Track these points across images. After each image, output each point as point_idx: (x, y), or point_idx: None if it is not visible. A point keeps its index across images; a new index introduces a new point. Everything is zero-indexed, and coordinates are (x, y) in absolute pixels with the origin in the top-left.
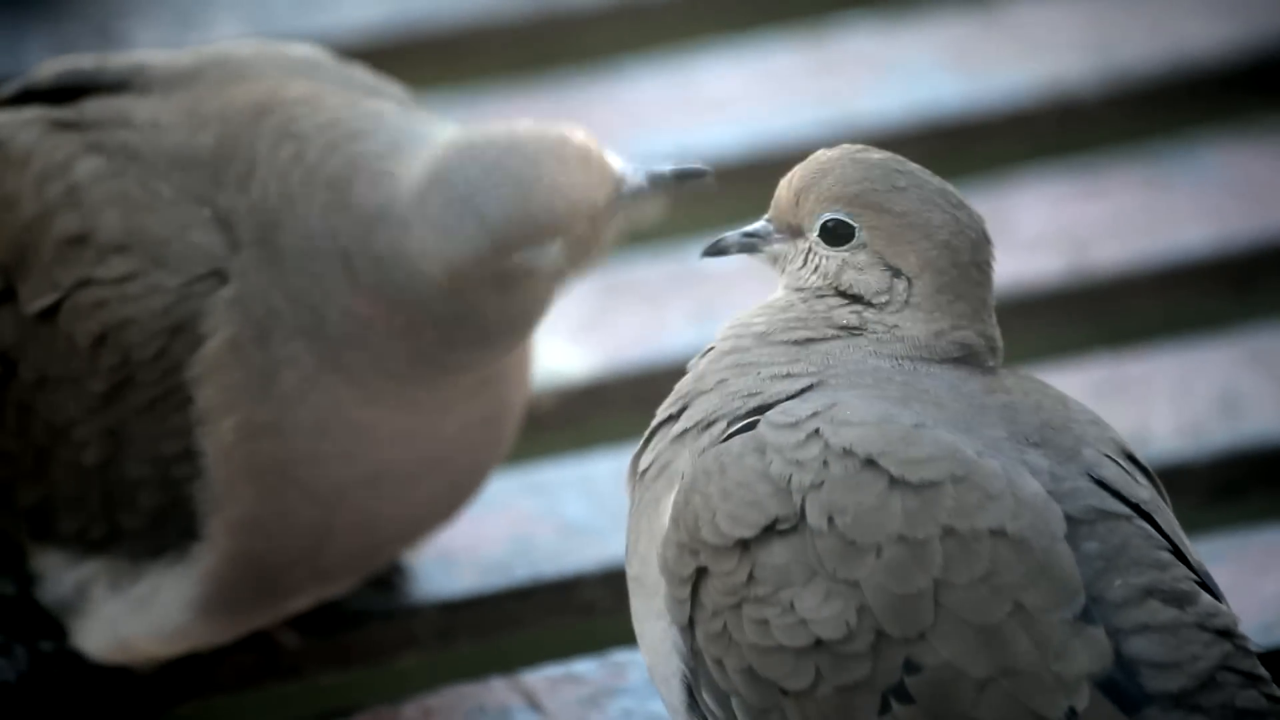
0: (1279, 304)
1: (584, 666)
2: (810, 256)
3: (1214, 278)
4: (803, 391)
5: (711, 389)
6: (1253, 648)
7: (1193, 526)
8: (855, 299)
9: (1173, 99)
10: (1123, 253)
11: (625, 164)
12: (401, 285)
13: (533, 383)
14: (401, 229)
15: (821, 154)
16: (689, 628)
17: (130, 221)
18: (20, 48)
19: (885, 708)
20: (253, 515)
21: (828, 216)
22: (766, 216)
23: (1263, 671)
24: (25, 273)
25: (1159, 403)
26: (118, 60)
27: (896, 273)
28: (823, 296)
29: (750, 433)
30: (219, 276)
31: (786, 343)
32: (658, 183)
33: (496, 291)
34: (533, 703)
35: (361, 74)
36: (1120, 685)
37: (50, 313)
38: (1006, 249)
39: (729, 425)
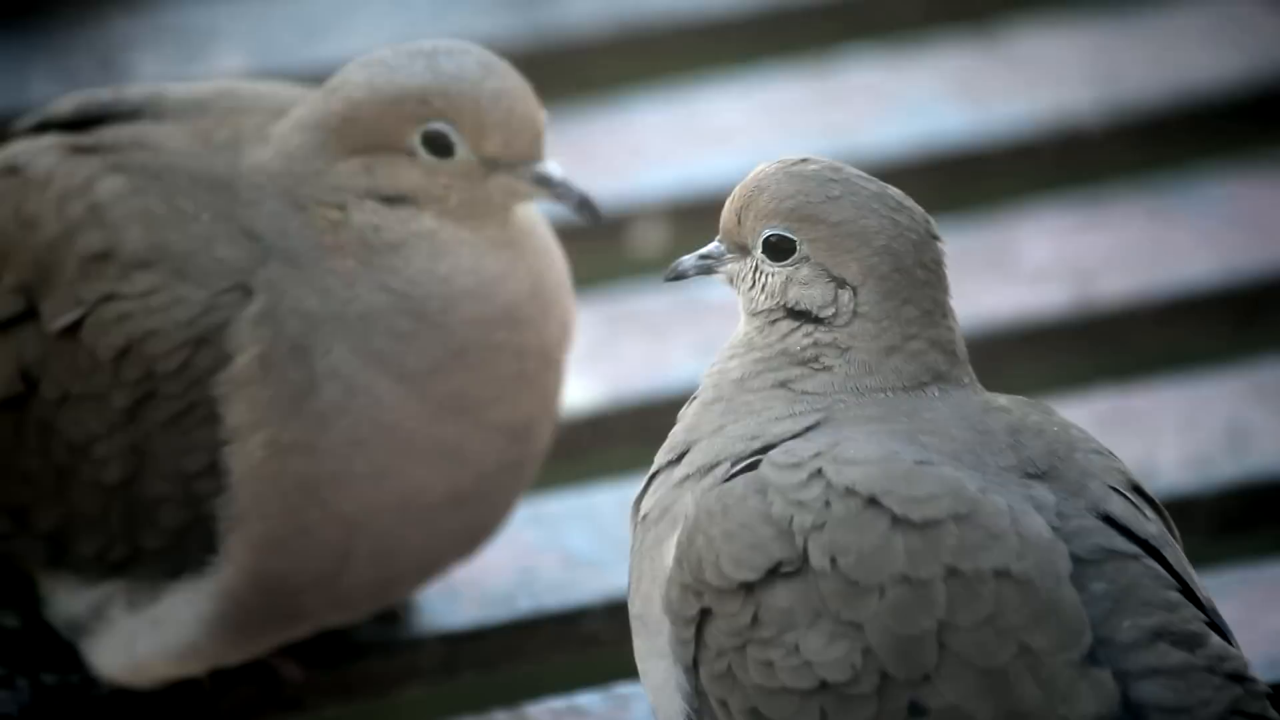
0: None
1: (587, 699)
2: (758, 275)
3: (1218, 310)
4: (807, 430)
5: (711, 434)
6: (1263, 690)
7: (1199, 560)
8: (804, 315)
9: (1176, 131)
10: (1127, 285)
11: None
12: (307, 176)
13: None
14: None
15: (760, 169)
16: (693, 668)
17: (154, 237)
18: (24, 81)
19: None
20: (274, 534)
21: (768, 232)
22: (718, 238)
23: (1274, 715)
24: (48, 291)
25: (1165, 435)
26: (135, 91)
27: (841, 283)
28: (775, 321)
29: (753, 473)
30: (244, 290)
31: (767, 387)
32: (563, 189)
33: (385, 165)
34: None
35: None
36: None
37: (73, 329)
38: (1011, 281)
39: (732, 465)
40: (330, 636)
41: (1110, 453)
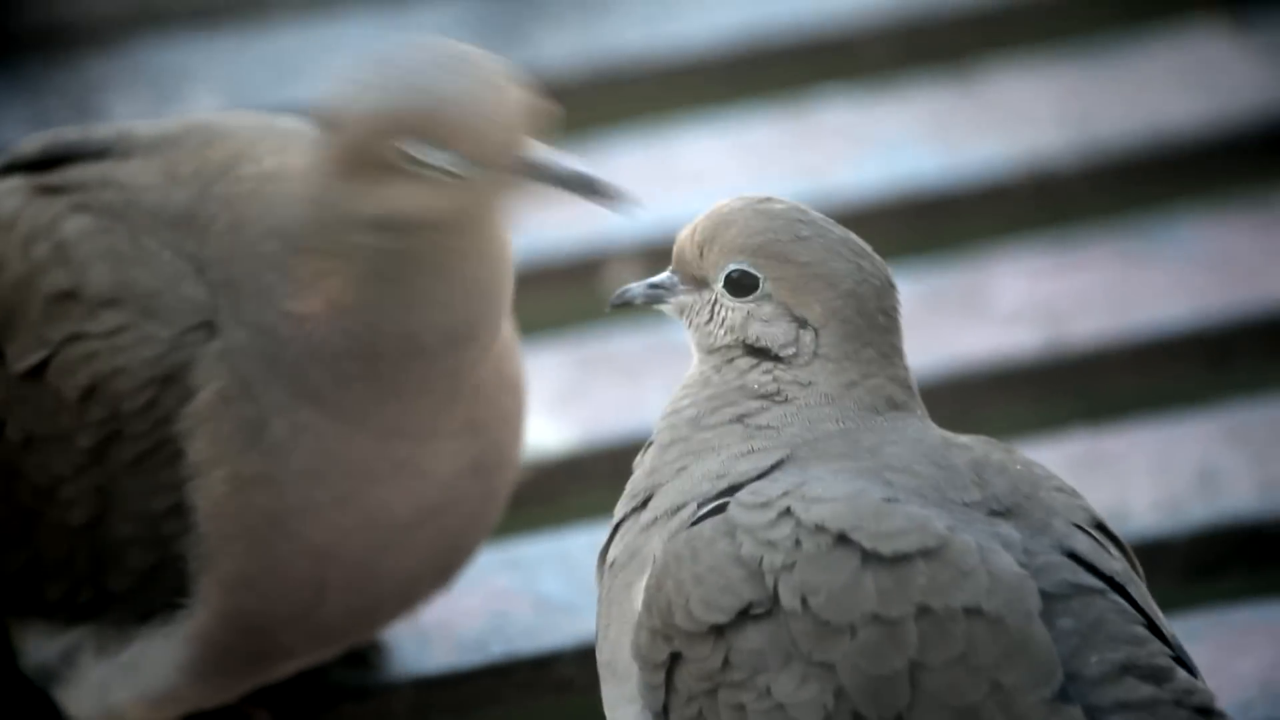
0: (1256, 380)
1: None
2: (716, 309)
3: (1191, 352)
4: (772, 469)
5: (673, 476)
6: None
7: (1170, 604)
8: (763, 353)
9: (1150, 173)
10: (1100, 327)
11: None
12: (317, 217)
13: (524, 443)
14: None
15: (724, 204)
16: (663, 714)
17: (120, 275)
18: None
19: None
20: (245, 571)
21: (732, 267)
22: (671, 268)
23: None
24: (13, 333)
25: (1137, 479)
26: (102, 130)
27: (803, 323)
28: (732, 359)
29: (720, 515)
30: (209, 328)
31: (724, 423)
32: (553, 172)
33: (381, 188)
34: None
35: None
36: None
37: (38, 370)
38: (983, 323)
39: (699, 507)
40: (302, 683)
41: (1074, 490)
